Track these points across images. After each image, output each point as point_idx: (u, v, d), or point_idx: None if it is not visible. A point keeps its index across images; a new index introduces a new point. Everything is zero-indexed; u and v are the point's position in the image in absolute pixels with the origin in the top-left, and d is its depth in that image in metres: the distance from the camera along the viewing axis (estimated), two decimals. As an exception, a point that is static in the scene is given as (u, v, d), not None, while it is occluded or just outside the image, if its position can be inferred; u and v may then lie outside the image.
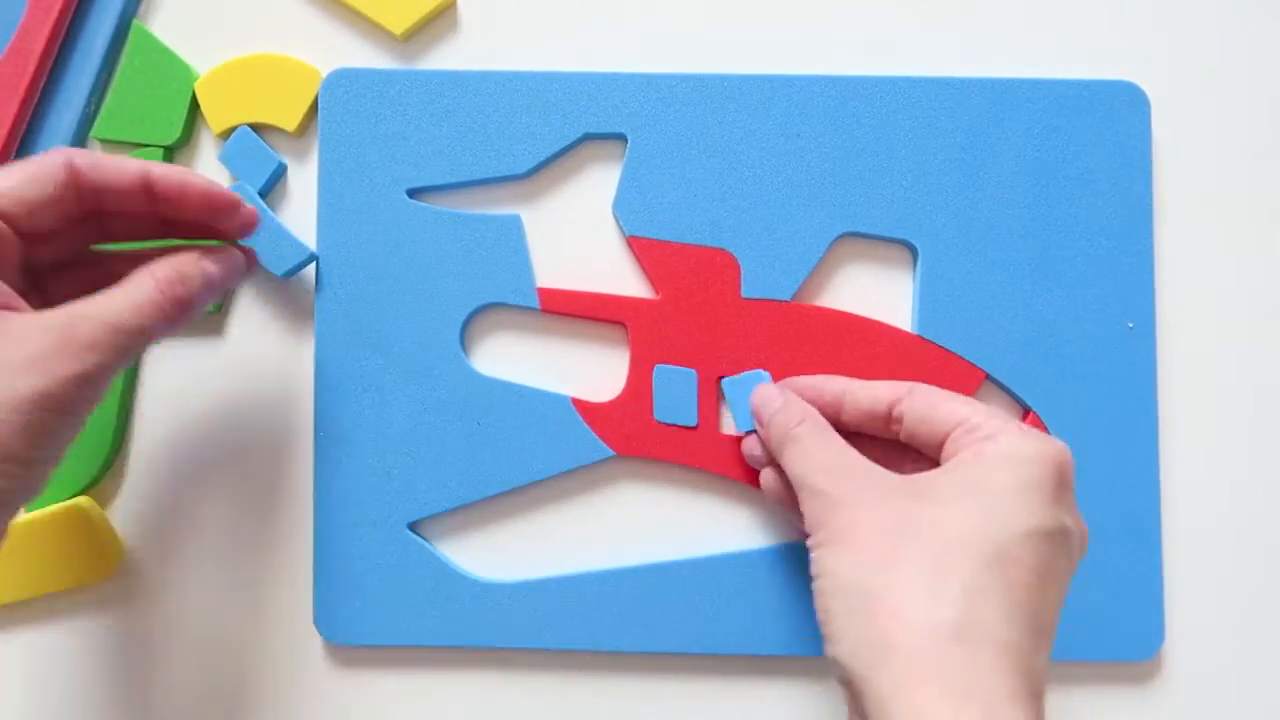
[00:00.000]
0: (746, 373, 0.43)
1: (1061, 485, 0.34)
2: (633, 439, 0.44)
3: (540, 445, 0.44)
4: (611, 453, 0.44)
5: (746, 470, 0.44)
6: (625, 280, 0.45)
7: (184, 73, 0.46)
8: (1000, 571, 0.32)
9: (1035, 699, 0.31)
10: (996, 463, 0.34)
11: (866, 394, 0.39)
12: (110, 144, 0.47)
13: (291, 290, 0.46)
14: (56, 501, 0.45)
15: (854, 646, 0.32)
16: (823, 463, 0.37)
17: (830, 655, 0.33)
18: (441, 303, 0.44)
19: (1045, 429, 0.44)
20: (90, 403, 0.34)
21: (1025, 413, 0.44)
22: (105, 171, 0.36)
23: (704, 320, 0.44)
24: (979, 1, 0.47)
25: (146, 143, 0.46)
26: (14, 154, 0.46)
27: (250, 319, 0.46)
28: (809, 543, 0.36)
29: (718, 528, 0.45)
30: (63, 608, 0.46)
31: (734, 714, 0.44)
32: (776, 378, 0.44)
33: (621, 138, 0.45)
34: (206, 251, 0.38)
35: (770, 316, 0.44)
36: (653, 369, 0.44)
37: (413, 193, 0.45)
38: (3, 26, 0.46)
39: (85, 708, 0.45)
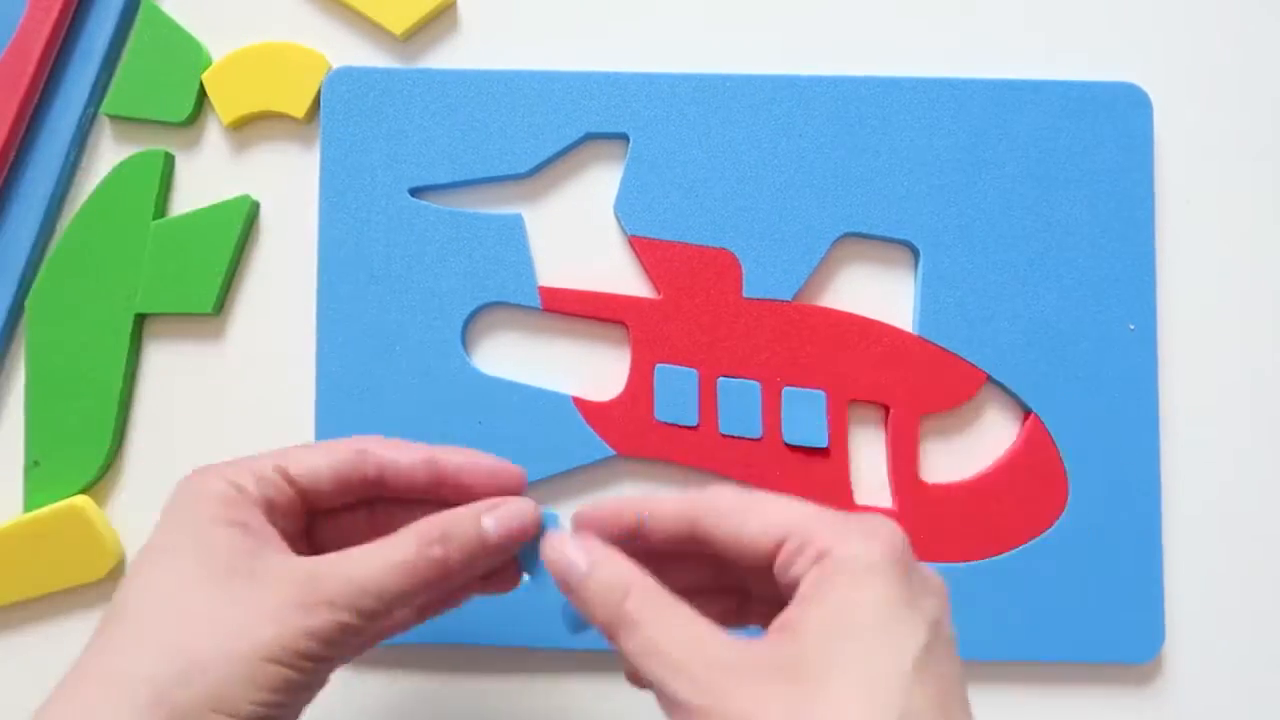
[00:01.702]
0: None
1: (908, 568, 0.30)
2: (633, 438, 0.44)
3: (541, 444, 0.44)
4: (612, 452, 0.44)
5: (747, 471, 0.44)
6: (627, 280, 0.45)
7: (195, 50, 0.47)
8: None
9: None
10: (847, 583, 0.29)
11: (664, 513, 0.33)
12: (120, 119, 0.47)
13: (292, 289, 0.46)
14: (55, 501, 0.45)
15: None
16: (675, 657, 0.29)
17: None
18: (443, 301, 0.44)
19: (1046, 430, 0.44)
20: (321, 662, 0.32)
21: (1026, 414, 0.44)
22: (393, 449, 0.35)
23: (705, 320, 0.44)
24: (981, 2, 0.47)
25: (157, 119, 0.46)
26: (14, 154, 0.46)
27: (250, 318, 0.46)
28: None
29: (719, 528, 0.44)
30: (61, 607, 0.46)
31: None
32: (777, 378, 0.44)
33: (623, 137, 0.45)
34: (491, 506, 0.34)
35: (771, 316, 0.44)
36: (654, 368, 0.44)
37: (414, 191, 0.45)
38: (3, 26, 0.46)
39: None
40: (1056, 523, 0.44)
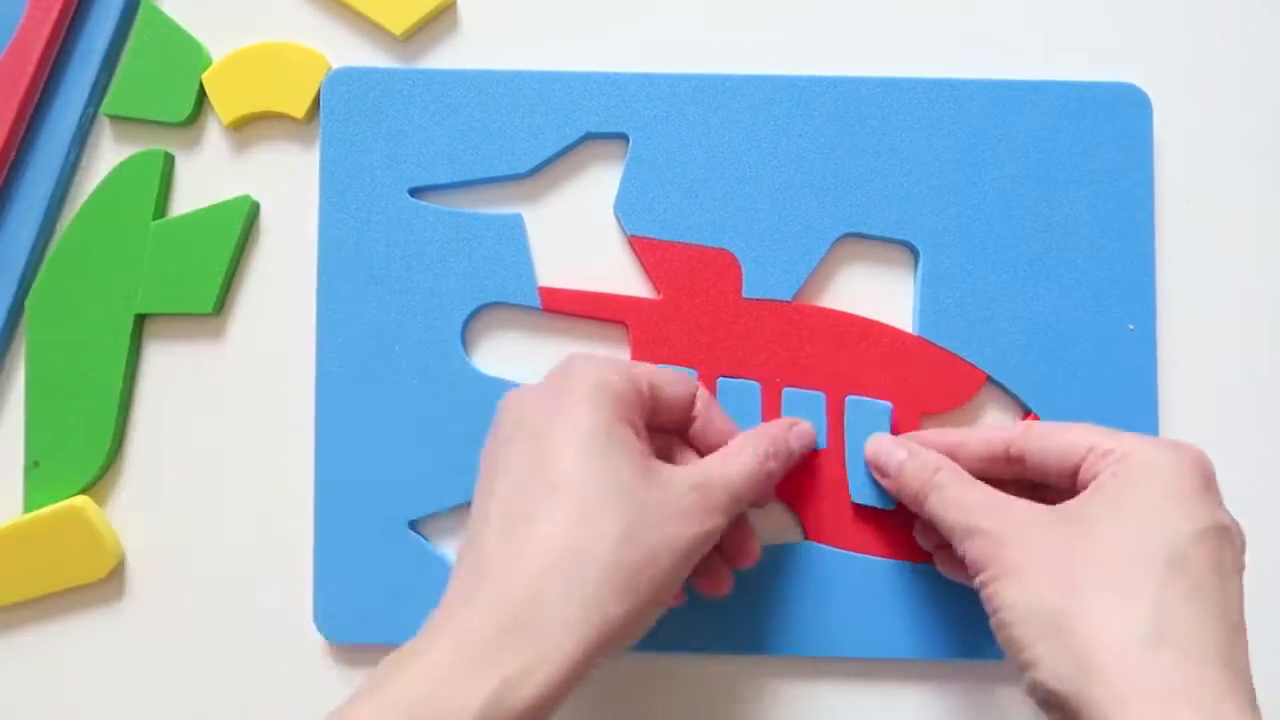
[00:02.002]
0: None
1: (1208, 485, 0.35)
2: (633, 439, 0.44)
3: (541, 445, 0.44)
4: (612, 453, 0.44)
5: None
6: (626, 280, 0.45)
7: (195, 50, 0.47)
8: (1181, 577, 0.33)
9: (1248, 693, 0.32)
10: (1141, 477, 0.35)
11: (979, 440, 0.40)
12: (120, 119, 0.47)
13: (292, 289, 0.46)
14: (55, 501, 0.45)
15: (1056, 670, 0.33)
16: (973, 504, 0.37)
17: (1031, 681, 0.34)
18: (443, 302, 0.44)
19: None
20: (696, 560, 0.36)
21: (1026, 414, 0.44)
22: (712, 407, 0.41)
23: (705, 320, 0.44)
24: (981, 3, 0.47)
25: (157, 119, 0.46)
26: (14, 154, 0.46)
27: (251, 318, 0.46)
28: (978, 580, 0.36)
29: (718, 528, 0.44)
30: (61, 607, 0.46)
31: (734, 714, 0.44)
32: (777, 378, 0.44)
33: (623, 137, 0.45)
34: (791, 424, 0.42)
35: (771, 317, 0.44)
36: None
37: (414, 192, 0.45)
38: (3, 26, 0.46)
39: (83, 707, 0.45)
40: (1056, 523, 0.44)
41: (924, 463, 0.40)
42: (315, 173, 0.45)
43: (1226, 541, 0.34)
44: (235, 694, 0.45)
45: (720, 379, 0.44)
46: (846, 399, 0.44)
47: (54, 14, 0.46)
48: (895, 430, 0.44)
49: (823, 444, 0.44)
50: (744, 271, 0.44)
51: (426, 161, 0.45)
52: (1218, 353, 0.45)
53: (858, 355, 0.44)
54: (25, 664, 0.46)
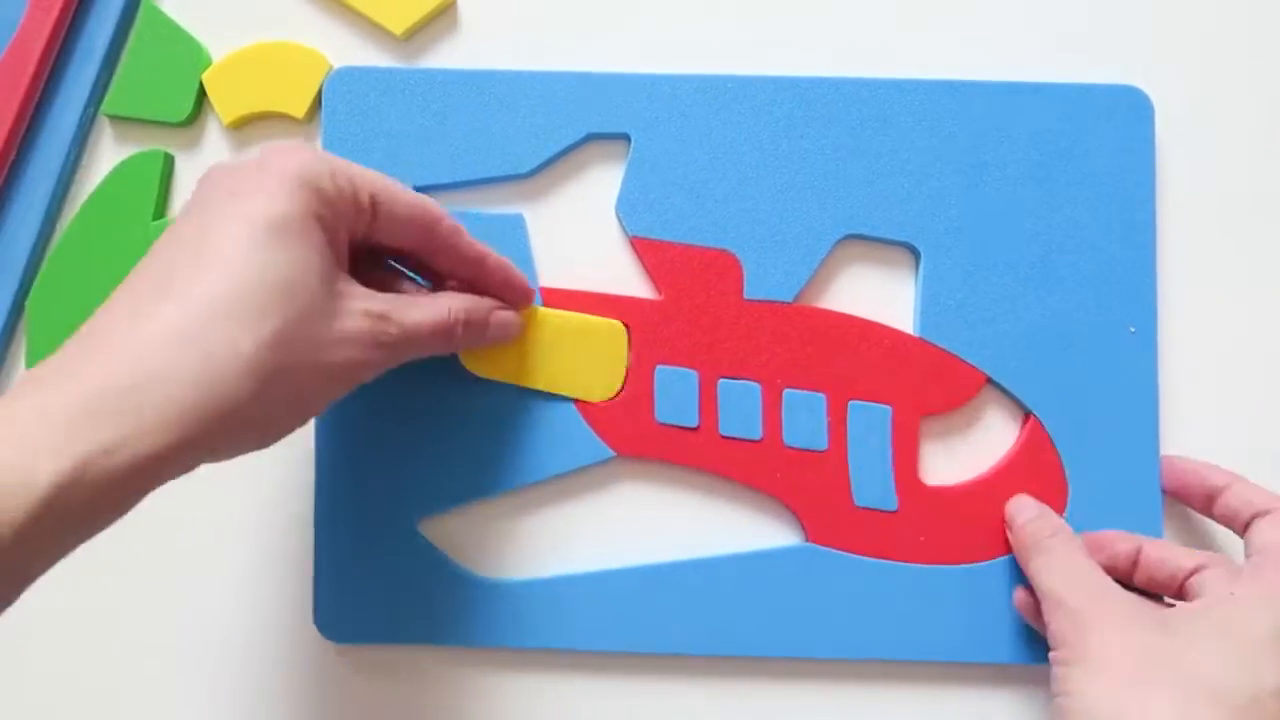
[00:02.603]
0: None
1: None
2: (634, 440, 0.44)
3: (541, 445, 0.44)
4: (612, 453, 0.44)
5: (746, 472, 0.44)
6: (627, 280, 0.45)
7: (194, 50, 0.46)
8: None
9: None
10: (1250, 608, 0.35)
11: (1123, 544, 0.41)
12: (120, 119, 0.47)
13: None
14: None
15: None
16: (1072, 577, 0.38)
17: None
18: (443, 302, 0.44)
19: (1046, 432, 0.44)
20: (350, 389, 0.36)
21: (1026, 416, 0.44)
22: (460, 236, 0.39)
23: (706, 321, 0.44)
24: (982, 5, 0.47)
25: (157, 119, 0.46)
26: (14, 154, 0.46)
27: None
28: (1052, 656, 0.36)
29: (719, 529, 0.44)
30: (61, 605, 0.46)
31: (735, 715, 0.44)
32: (777, 380, 0.44)
33: (625, 138, 0.45)
34: (498, 307, 0.41)
35: (772, 318, 0.44)
36: (654, 370, 0.44)
37: (416, 191, 0.45)
38: (3, 26, 0.46)
39: (83, 705, 0.45)
40: (1057, 524, 0.44)
41: (1045, 523, 0.41)
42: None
43: None
44: (236, 694, 0.45)
45: (721, 380, 0.44)
46: (849, 404, 0.44)
47: (54, 14, 0.46)
48: (895, 433, 0.44)
49: (823, 445, 0.44)
50: (745, 272, 0.44)
51: (427, 161, 0.45)
52: (1219, 355, 0.45)
53: (858, 356, 0.44)
54: (24, 664, 0.45)
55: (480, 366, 0.44)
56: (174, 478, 0.31)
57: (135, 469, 0.29)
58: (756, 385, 0.44)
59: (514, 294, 0.42)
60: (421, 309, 0.37)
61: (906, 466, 0.44)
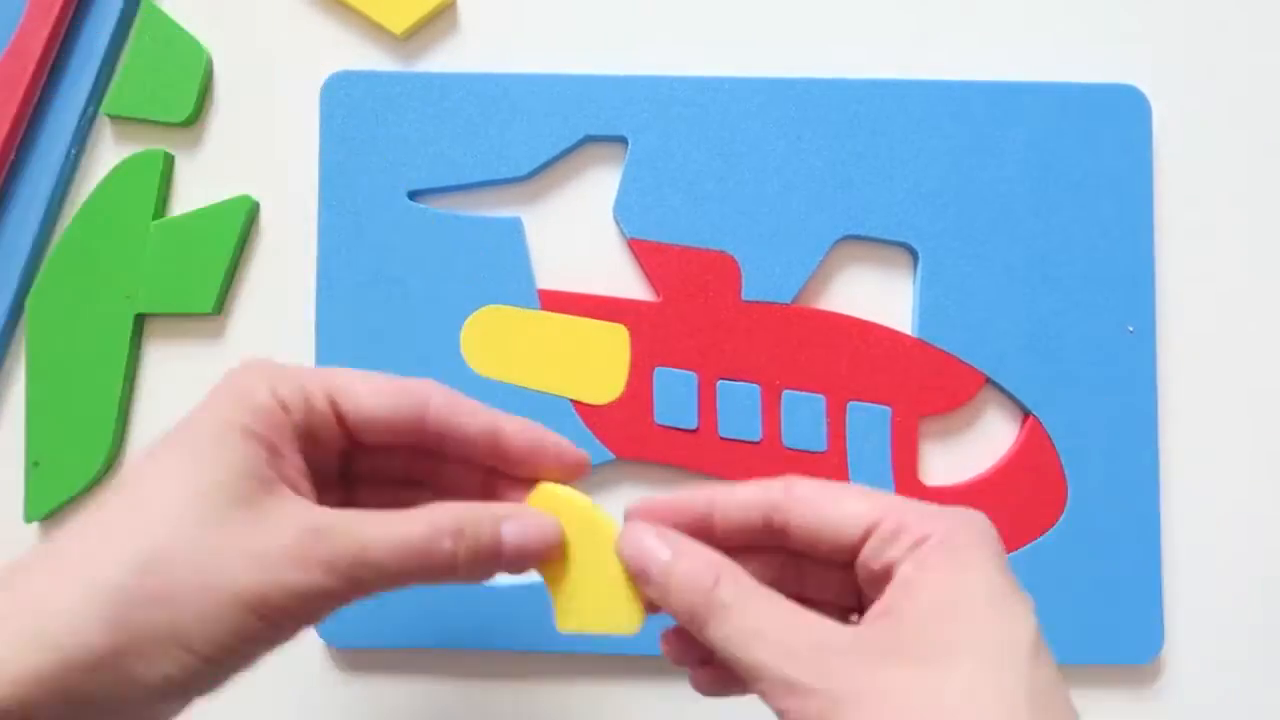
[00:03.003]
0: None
1: (1001, 553, 0.29)
2: (633, 442, 0.44)
3: (541, 448, 0.44)
4: (612, 455, 0.44)
5: (746, 474, 0.43)
6: (626, 283, 0.45)
7: (194, 49, 0.47)
8: (1034, 710, 0.27)
9: None
10: (954, 572, 0.29)
11: (735, 503, 0.31)
12: (120, 119, 0.47)
13: (292, 292, 0.46)
14: (56, 501, 0.45)
15: None
16: (779, 638, 0.28)
17: None
18: (442, 305, 0.44)
19: (1045, 432, 0.44)
20: (294, 621, 0.29)
21: (1025, 416, 0.44)
22: (459, 414, 0.32)
23: (704, 323, 0.44)
24: (980, 5, 0.47)
25: (157, 119, 0.46)
26: (14, 154, 0.46)
27: (251, 318, 0.46)
28: None
29: (718, 531, 0.44)
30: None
31: (735, 716, 0.44)
32: (776, 381, 0.44)
33: (622, 140, 0.45)
34: (515, 513, 0.32)
35: (770, 319, 0.44)
36: (653, 372, 0.44)
37: (413, 195, 0.45)
38: (3, 26, 0.46)
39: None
40: (1056, 525, 0.44)
41: (699, 569, 0.30)
42: (315, 172, 0.45)
43: (1035, 623, 0.28)
44: (233, 697, 0.45)
45: (720, 382, 0.44)
46: (848, 405, 0.44)
47: (54, 14, 0.46)
48: (895, 434, 0.44)
49: (823, 446, 0.44)
50: (743, 274, 0.44)
51: (426, 164, 0.45)
52: (1217, 354, 0.45)
53: (857, 357, 0.44)
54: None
55: (482, 367, 0.44)
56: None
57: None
58: (756, 387, 0.44)
59: (553, 465, 0.33)
60: (392, 524, 0.30)
61: (906, 467, 0.44)
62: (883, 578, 0.29)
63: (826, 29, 0.47)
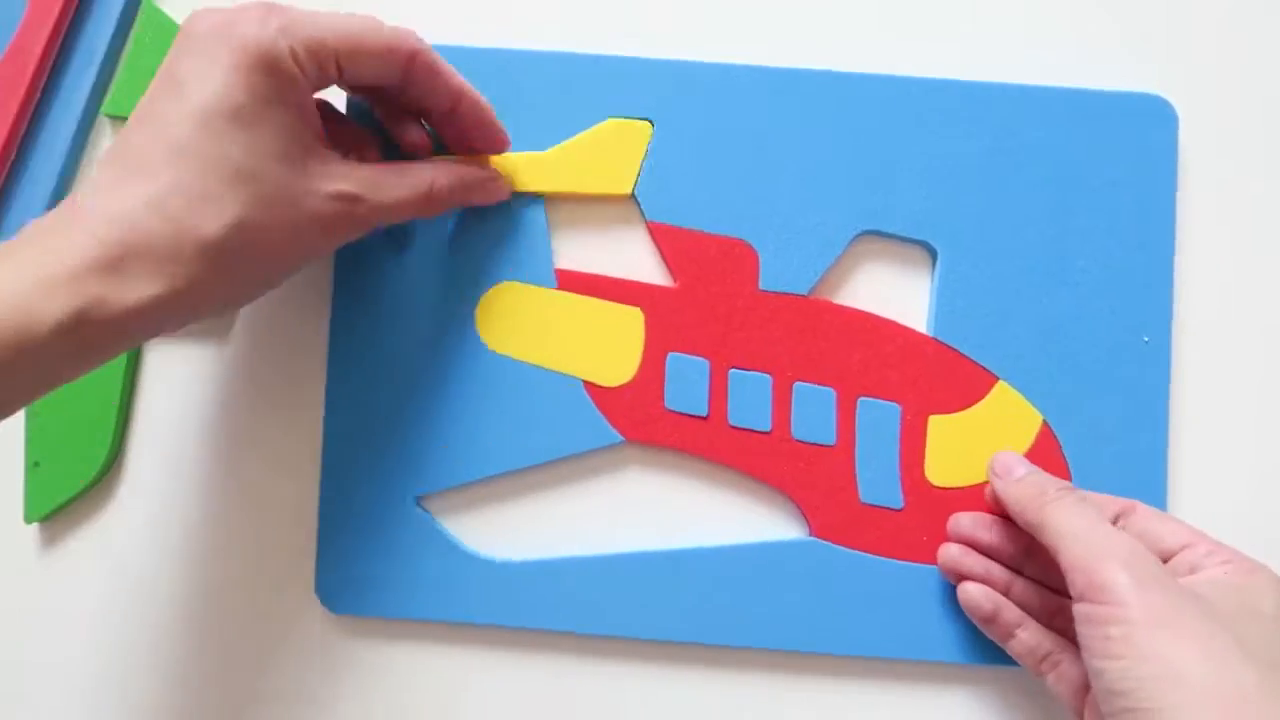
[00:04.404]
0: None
1: None
2: (643, 426, 0.44)
3: (551, 427, 0.44)
4: (621, 438, 0.44)
5: (754, 463, 0.44)
6: (643, 266, 0.45)
7: None
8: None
9: None
10: (1254, 586, 0.36)
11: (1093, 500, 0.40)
12: (120, 120, 0.47)
13: (295, 286, 0.45)
14: (55, 502, 0.45)
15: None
16: (1096, 530, 0.37)
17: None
18: (459, 280, 0.44)
19: (1055, 437, 0.44)
20: (336, 243, 0.39)
21: (1035, 421, 0.44)
22: (437, 79, 0.39)
23: (720, 310, 0.44)
24: (1009, 6, 0.47)
25: None
26: (14, 154, 0.46)
27: (257, 312, 0.46)
28: (1080, 609, 0.35)
29: (724, 518, 0.45)
30: (64, 573, 0.46)
31: (730, 705, 0.44)
32: (788, 372, 0.44)
33: (647, 123, 0.45)
34: (489, 179, 0.42)
35: (786, 310, 0.44)
36: (666, 357, 0.44)
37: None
38: (3, 26, 0.46)
39: (89, 672, 0.45)
40: (1060, 530, 0.43)
41: (1049, 478, 0.41)
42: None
43: None
44: (236, 664, 0.45)
45: (732, 370, 0.44)
46: (858, 401, 0.44)
47: (54, 14, 0.46)
48: (903, 431, 0.44)
49: (831, 440, 0.44)
50: (761, 263, 0.44)
51: (449, 139, 0.45)
52: (1232, 369, 0.45)
53: (870, 353, 0.44)
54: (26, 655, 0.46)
55: (496, 342, 0.44)
56: (169, 329, 0.35)
57: (123, 318, 0.32)
58: (767, 377, 0.44)
59: (486, 136, 0.42)
60: (403, 184, 0.39)
61: (913, 465, 0.44)
62: (1184, 573, 0.38)
63: (856, 24, 0.47)
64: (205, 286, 0.34)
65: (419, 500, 0.44)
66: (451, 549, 0.44)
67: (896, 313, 0.45)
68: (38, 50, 0.46)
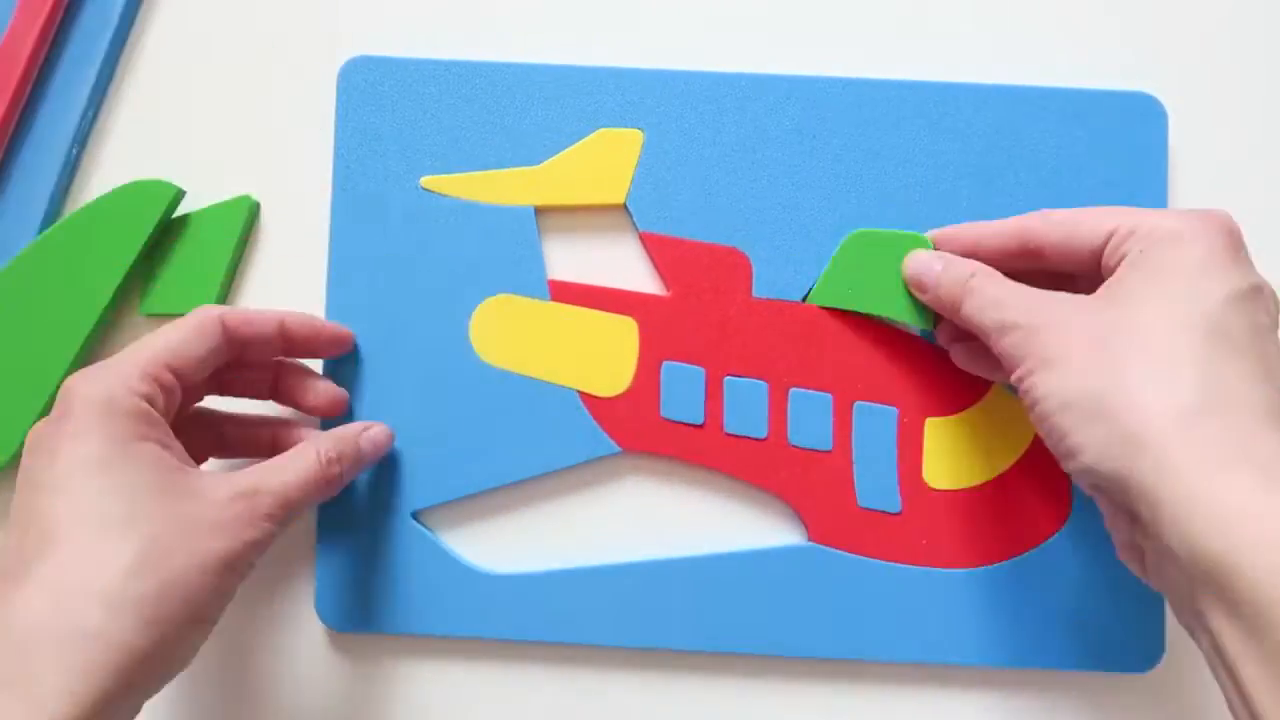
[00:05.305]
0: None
1: (1237, 247, 0.35)
2: (639, 435, 0.44)
3: (547, 439, 0.44)
4: (618, 448, 0.44)
5: (751, 470, 0.44)
6: (636, 276, 0.45)
7: None
8: (1221, 343, 0.33)
9: None
10: (1170, 249, 0.35)
11: (994, 234, 0.40)
12: (156, 318, 0.46)
13: (303, 275, 0.46)
14: None
15: (1102, 450, 0.33)
16: (1008, 300, 0.37)
17: (1077, 468, 0.34)
18: (452, 292, 0.44)
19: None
20: (248, 571, 0.36)
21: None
22: (254, 325, 0.39)
23: (714, 318, 0.44)
24: (997, 8, 0.47)
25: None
26: (14, 154, 0.46)
27: (261, 303, 0.46)
28: (1015, 376, 0.36)
29: (722, 526, 0.45)
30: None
31: (731, 712, 0.44)
32: (784, 379, 0.44)
33: (638, 132, 0.45)
34: (366, 427, 0.42)
35: (780, 317, 0.44)
36: (661, 366, 0.44)
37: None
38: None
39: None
40: (1058, 532, 0.44)
41: (959, 271, 0.39)
42: (316, 171, 0.45)
43: (1260, 302, 0.34)
44: (236, 681, 0.45)
45: (727, 378, 0.44)
46: (854, 405, 0.44)
47: (43, 16, 0.45)
48: (900, 435, 0.44)
49: (828, 445, 0.44)
50: (754, 270, 0.44)
51: (440, 152, 0.45)
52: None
53: (865, 357, 0.44)
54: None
55: (490, 355, 0.44)
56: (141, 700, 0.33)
57: None
58: (763, 384, 0.44)
59: (328, 342, 0.42)
60: (291, 467, 0.38)
61: (910, 469, 0.44)
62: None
63: (844, 28, 0.47)
64: (135, 660, 0.31)
65: (416, 515, 0.44)
66: (450, 563, 0.44)
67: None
68: (25, 53, 0.45)
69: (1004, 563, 0.43)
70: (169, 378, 0.36)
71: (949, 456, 0.44)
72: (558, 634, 0.44)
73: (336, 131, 0.45)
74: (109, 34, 0.47)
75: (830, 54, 0.46)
